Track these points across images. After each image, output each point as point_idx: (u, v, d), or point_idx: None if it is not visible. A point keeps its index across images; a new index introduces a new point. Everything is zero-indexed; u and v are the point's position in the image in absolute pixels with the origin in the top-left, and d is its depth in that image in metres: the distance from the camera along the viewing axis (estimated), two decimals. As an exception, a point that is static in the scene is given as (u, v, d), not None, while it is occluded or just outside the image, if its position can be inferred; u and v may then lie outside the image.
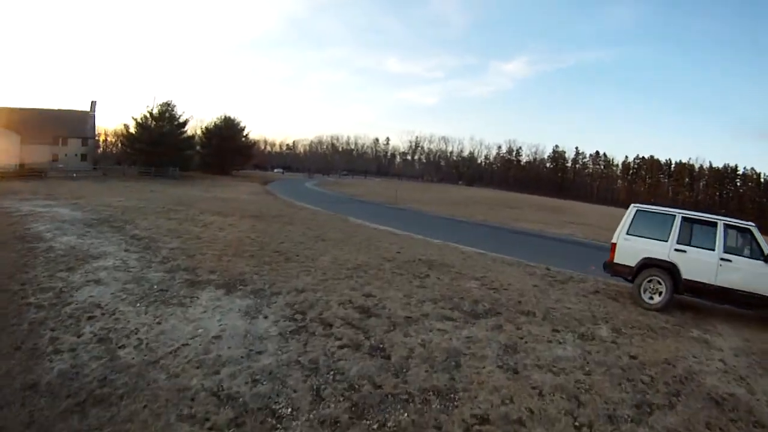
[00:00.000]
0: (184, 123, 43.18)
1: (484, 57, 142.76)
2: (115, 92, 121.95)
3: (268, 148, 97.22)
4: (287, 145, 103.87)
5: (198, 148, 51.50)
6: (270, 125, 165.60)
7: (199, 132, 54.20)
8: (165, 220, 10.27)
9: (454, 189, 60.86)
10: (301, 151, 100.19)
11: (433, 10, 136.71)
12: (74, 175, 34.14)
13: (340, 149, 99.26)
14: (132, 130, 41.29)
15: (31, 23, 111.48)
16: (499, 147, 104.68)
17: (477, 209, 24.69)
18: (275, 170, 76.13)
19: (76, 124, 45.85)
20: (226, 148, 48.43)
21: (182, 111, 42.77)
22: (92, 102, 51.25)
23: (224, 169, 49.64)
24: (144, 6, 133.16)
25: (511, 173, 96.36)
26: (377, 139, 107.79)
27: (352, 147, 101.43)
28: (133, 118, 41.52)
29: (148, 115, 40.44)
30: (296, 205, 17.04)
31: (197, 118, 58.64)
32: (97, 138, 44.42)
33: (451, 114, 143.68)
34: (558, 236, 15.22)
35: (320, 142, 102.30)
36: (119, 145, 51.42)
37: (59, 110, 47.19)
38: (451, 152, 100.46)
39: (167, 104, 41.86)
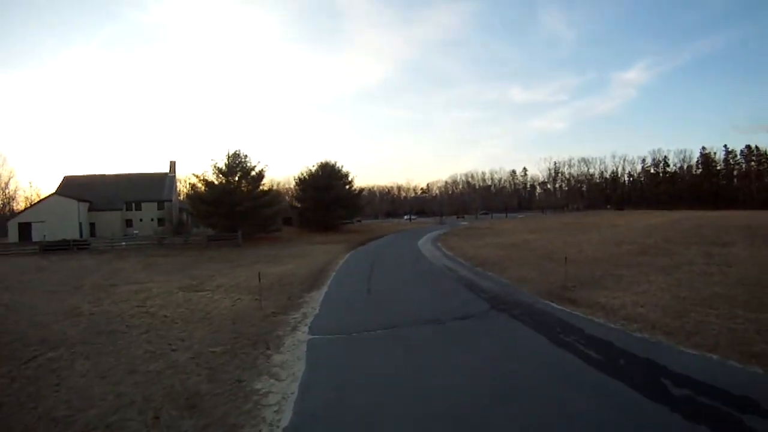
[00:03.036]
0: (260, 175, 37.63)
1: (603, 70, 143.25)
2: (202, 152, 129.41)
3: (402, 194, 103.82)
4: (421, 188, 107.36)
5: (295, 203, 50.22)
6: (401, 171, 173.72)
7: (292, 184, 53.12)
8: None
9: (616, 216, 55.34)
10: (437, 193, 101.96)
11: (545, 30, 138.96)
12: (123, 244, 31.65)
13: (477, 186, 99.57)
14: (200, 186, 37.40)
15: (105, 89, 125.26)
16: (644, 160, 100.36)
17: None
18: (405, 217, 78.69)
19: (150, 188, 46.04)
20: (325, 199, 44.13)
21: (257, 161, 38.27)
22: (171, 162, 52.35)
23: (326, 223, 45.01)
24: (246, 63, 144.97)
25: (661, 188, 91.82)
26: (514, 171, 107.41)
27: (489, 183, 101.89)
28: (194, 174, 38.21)
29: (214, 170, 36.48)
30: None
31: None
32: (175, 200, 43.28)
33: (585, 135, 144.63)
34: None
35: (455, 182, 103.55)
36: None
37: (133, 174, 48.93)
38: (593, 174, 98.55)
39: (237, 155, 37.26)
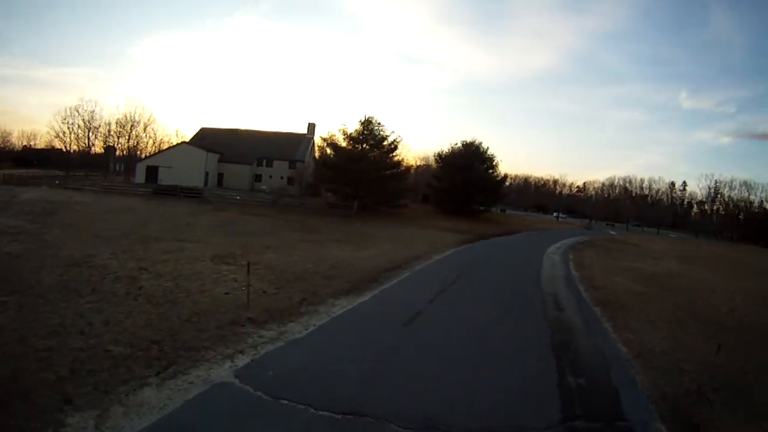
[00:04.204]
0: (393, 146, 39.86)
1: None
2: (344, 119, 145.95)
3: (558, 189, 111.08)
4: (577, 187, 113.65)
5: (431, 179, 53.41)
6: (556, 165, 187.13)
7: (432, 160, 57.01)
8: None
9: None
10: (592, 194, 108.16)
11: (714, 32, 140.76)
12: (238, 197, 35.90)
13: (633, 194, 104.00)
14: (326, 150, 41.28)
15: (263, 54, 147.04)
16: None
17: None
18: (554, 214, 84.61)
19: (285, 147, 51.18)
20: (464, 180, 45.67)
21: (391, 131, 40.09)
22: (310, 124, 57.32)
23: (461, 207, 46.60)
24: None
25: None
26: (673, 184, 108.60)
27: (645, 192, 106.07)
28: (321, 138, 42.21)
29: (341, 135, 39.31)
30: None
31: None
32: (308, 162, 47.95)
33: (750, 155, 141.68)
34: None
35: (611, 186, 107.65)
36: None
37: (270, 132, 55.24)
38: (752, 201, 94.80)
39: (369, 121, 39.30)
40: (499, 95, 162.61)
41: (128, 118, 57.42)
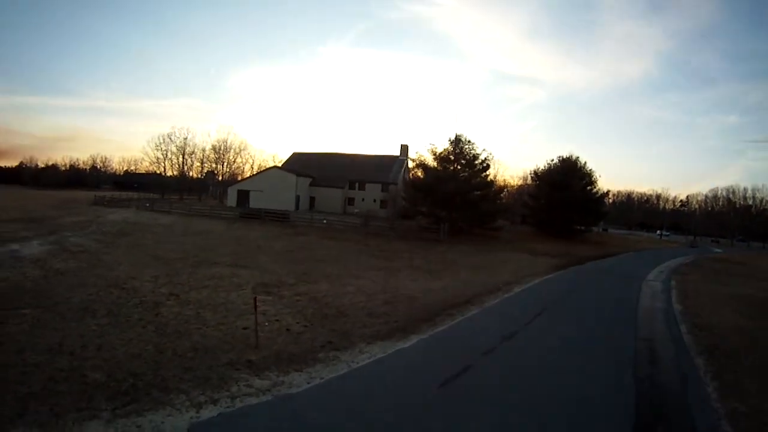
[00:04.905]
0: (485, 165, 40.85)
1: None
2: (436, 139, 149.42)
3: (661, 204, 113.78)
4: (680, 201, 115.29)
5: (527, 199, 54.51)
6: (658, 178, 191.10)
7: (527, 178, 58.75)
8: None
9: None
10: (695, 208, 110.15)
11: None
12: (324, 221, 37.67)
13: (737, 205, 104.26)
14: (416, 171, 43.40)
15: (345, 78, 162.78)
16: None
17: None
18: (657, 232, 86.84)
19: (377, 169, 53.42)
20: (561, 199, 46.40)
21: (482, 149, 41.11)
22: (402, 146, 58.99)
23: (559, 227, 46.97)
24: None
25: None
26: None
27: (749, 202, 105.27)
28: (411, 159, 44.09)
29: (431, 154, 40.82)
30: None
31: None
32: (401, 184, 50.07)
33: None
34: None
35: (715, 197, 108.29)
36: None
37: (361, 155, 58.96)
38: None
39: (459, 139, 40.33)
40: (593, 108, 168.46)
41: (222, 145, 64.72)
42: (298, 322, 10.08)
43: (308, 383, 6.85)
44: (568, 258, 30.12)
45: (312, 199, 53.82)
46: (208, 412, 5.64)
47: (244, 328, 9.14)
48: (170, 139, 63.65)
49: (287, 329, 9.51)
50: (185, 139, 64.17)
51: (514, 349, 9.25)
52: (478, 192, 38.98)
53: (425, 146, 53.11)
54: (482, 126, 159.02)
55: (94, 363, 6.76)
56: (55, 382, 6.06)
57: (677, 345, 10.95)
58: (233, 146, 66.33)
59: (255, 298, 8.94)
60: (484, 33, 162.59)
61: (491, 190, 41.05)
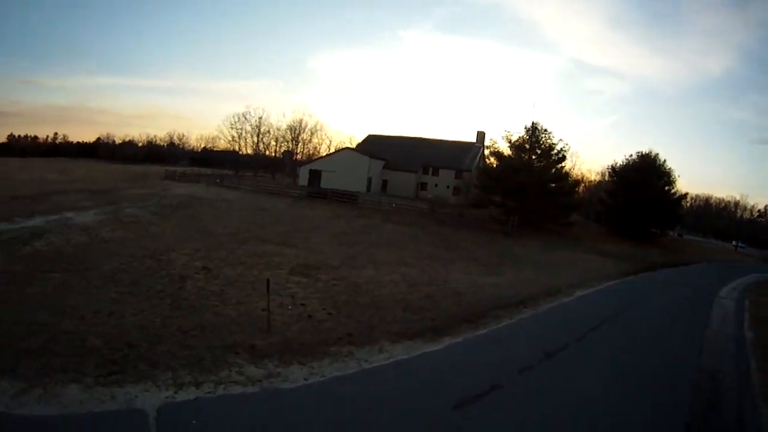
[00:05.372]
0: (561, 155, 40.10)
1: None
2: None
3: (739, 212, 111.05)
4: (759, 211, 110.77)
5: (603, 195, 53.58)
6: (744, 186, 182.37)
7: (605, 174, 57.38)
8: None
9: None
10: None
11: None
12: (393, 205, 37.98)
13: None
14: (491, 160, 43.54)
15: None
16: None
17: None
18: (732, 243, 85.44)
19: (452, 155, 53.51)
20: (638, 198, 44.79)
21: (558, 139, 40.33)
22: (479, 133, 59.20)
23: (637, 229, 45.99)
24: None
25: None
26: None
27: None
28: (486, 146, 45.24)
29: (505, 141, 40.54)
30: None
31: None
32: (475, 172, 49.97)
33: None
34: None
35: None
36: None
37: (436, 140, 62.00)
38: None
39: (534, 127, 39.85)
40: (673, 104, 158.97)
41: (297, 125, 66.89)
42: (323, 309, 10.02)
43: (305, 380, 6.64)
44: (639, 263, 29.52)
45: (384, 182, 54.56)
46: (186, 395, 5.71)
47: (263, 310, 9.19)
48: (245, 118, 66.72)
49: (309, 315, 9.49)
50: (260, 118, 67.16)
51: (555, 370, 8.28)
52: (553, 184, 38.51)
53: (500, 133, 51.73)
54: (559, 117, 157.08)
55: (98, 329, 7.25)
56: (55, 343, 6.59)
57: (743, 384, 9.30)
58: (308, 126, 69.27)
59: (267, 280, 8.99)
60: (566, 21, 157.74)
61: (567, 182, 40.43)
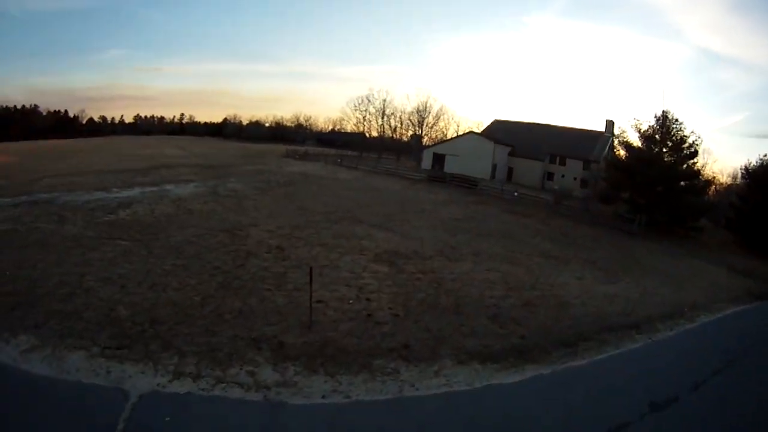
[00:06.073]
0: (693, 150, 36.55)
1: None
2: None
3: None
4: None
5: (734, 199, 46.55)
6: None
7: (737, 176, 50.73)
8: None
9: None
10: None
11: None
12: (516, 194, 36.32)
13: None
14: (620, 151, 40.38)
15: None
16: None
17: None
18: None
19: (579, 145, 51.87)
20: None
21: (690, 131, 37.12)
22: (607, 122, 57.73)
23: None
24: None
25: None
26: None
27: None
28: (615, 136, 41.89)
29: (635, 131, 37.60)
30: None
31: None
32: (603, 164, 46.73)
33: None
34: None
35: None
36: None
37: (564, 127, 57.61)
38: None
39: (665, 116, 36.80)
40: None
41: (422, 107, 66.32)
42: (389, 308, 8.75)
43: (323, 397, 5.62)
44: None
45: (510, 170, 52.19)
46: (179, 386, 5.27)
47: (318, 301, 8.39)
48: (368, 100, 68.24)
49: (368, 314, 8.30)
50: (384, 101, 68.41)
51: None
52: (684, 182, 35.35)
53: (629, 122, 46.74)
54: (686, 110, 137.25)
55: (132, 299, 7.22)
56: (86, 308, 6.70)
57: None
58: (433, 110, 69.17)
59: (311, 269, 8.13)
60: (693, 6, 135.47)
61: (698, 181, 36.52)
